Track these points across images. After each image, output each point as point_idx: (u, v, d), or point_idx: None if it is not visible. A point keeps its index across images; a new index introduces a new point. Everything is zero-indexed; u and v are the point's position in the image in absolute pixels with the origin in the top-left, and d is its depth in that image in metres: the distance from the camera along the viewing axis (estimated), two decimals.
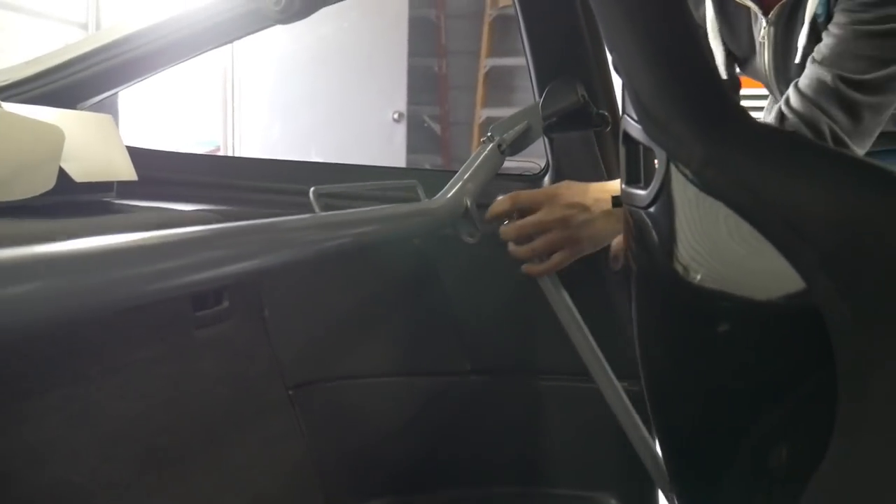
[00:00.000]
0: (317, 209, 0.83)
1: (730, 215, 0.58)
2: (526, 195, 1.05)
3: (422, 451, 1.31)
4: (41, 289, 0.41)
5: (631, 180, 0.78)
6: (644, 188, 0.73)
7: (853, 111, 0.93)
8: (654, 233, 0.73)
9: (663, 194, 0.68)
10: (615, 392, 1.11)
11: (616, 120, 1.21)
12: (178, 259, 0.51)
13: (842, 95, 0.92)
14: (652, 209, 0.72)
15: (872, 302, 0.50)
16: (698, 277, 0.67)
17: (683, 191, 0.64)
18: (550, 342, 1.27)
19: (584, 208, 1.04)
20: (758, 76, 1.21)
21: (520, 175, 1.37)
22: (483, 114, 4.31)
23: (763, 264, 0.57)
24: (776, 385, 0.62)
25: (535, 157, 1.36)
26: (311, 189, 0.85)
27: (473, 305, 1.28)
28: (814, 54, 0.97)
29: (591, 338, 1.11)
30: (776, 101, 1.22)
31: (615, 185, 1.06)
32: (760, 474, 0.66)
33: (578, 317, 1.11)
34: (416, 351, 1.30)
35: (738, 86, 1.34)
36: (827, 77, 0.93)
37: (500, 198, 1.06)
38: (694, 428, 0.76)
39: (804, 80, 0.97)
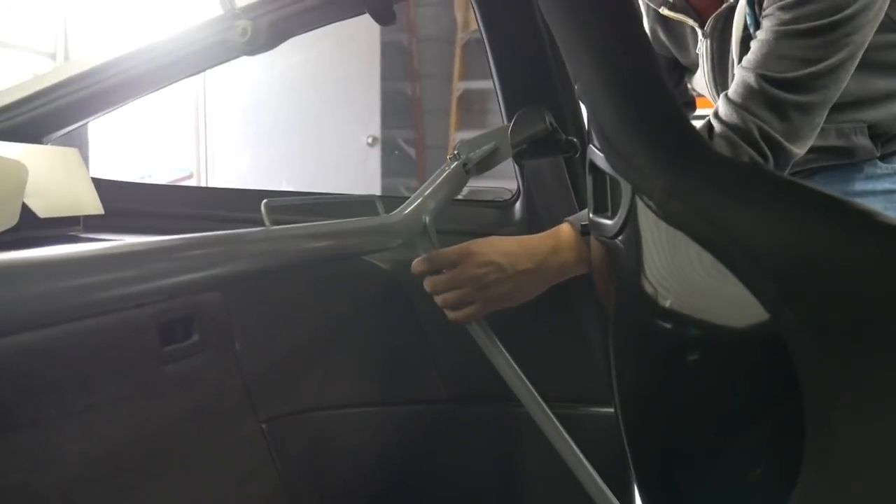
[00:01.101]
0: (267, 222, 0.80)
1: (694, 246, 0.58)
2: (440, 256, 1.06)
3: (397, 481, 1.29)
4: None
5: (598, 209, 0.78)
6: (611, 218, 0.73)
7: (779, 110, 0.92)
8: (621, 262, 0.73)
9: (630, 224, 0.68)
10: (551, 424, 1.10)
11: (585, 146, 1.22)
12: (119, 271, 0.52)
13: (766, 95, 0.91)
14: (619, 239, 0.72)
15: (834, 334, 0.50)
16: (666, 306, 0.67)
17: (648, 222, 0.64)
18: (525, 369, 1.27)
19: (499, 268, 1.05)
20: (700, 88, 1.22)
21: (491, 201, 1.37)
22: (457, 136, 4.32)
23: (728, 295, 0.57)
24: (746, 415, 0.62)
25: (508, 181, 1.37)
26: (264, 201, 0.83)
27: (447, 333, 1.27)
28: (742, 62, 0.97)
29: (525, 379, 1.11)
30: None
31: (537, 242, 1.07)
32: (733, 501, 0.66)
33: (509, 357, 1.11)
34: (391, 380, 1.29)
35: (693, 105, 1.35)
36: (751, 78, 0.92)
37: (416, 260, 1.07)
38: (666, 455, 0.76)
39: (731, 88, 0.96)
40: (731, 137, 0.92)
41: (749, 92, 0.92)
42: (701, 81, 1.17)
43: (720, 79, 1.12)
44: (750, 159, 0.91)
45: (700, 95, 1.34)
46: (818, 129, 0.95)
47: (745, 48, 1.00)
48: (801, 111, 0.91)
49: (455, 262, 1.05)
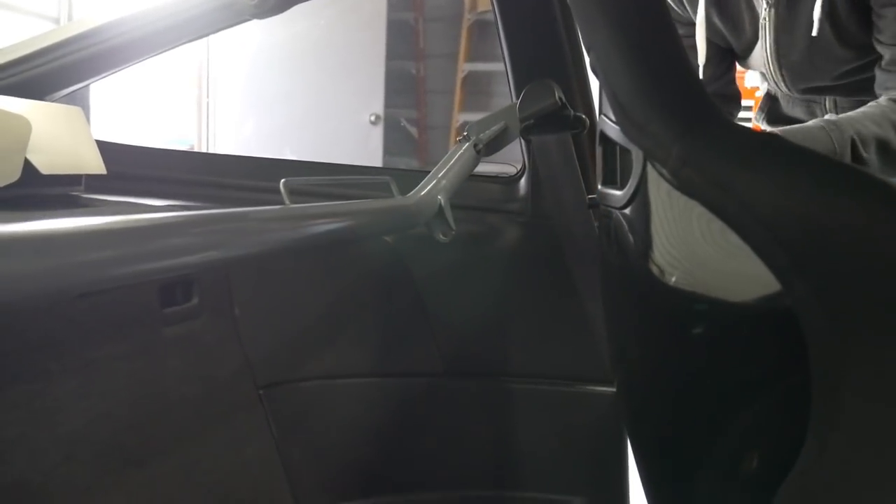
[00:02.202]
0: (287, 201, 0.80)
1: (706, 216, 0.57)
2: None
3: (393, 453, 1.29)
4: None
5: (607, 181, 0.78)
6: (620, 189, 0.73)
7: None
8: (629, 234, 0.73)
9: (640, 195, 0.68)
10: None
11: (593, 122, 1.21)
12: (140, 245, 0.50)
13: None
14: (628, 210, 0.71)
15: (845, 304, 0.50)
16: (674, 278, 0.66)
17: (660, 191, 0.63)
18: (524, 345, 1.27)
19: None
20: (757, 64, 1.22)
21: (495, 176, 1.36)
22: (460, 118, 4.30)
23: (739, 265, 0.56)
24: (751, 387, 0.62)
25: (512, 162, 1.36)
26: (282, 181, 0.83)
27: (448, 307, 1.27)
28: (881, 38, 0.99)
29: None
30: (775, 84, 1.23)
31: None
32: (734, 476, 0.66)
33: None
34: (390, 352, 1.29)
35: (738, 98, 1.35)
36: None
37: None
38: (667, 431, 0.76)
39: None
40: None
41: None
42: (759, 57, 1.17)
43: (784, 49, 1.12)
44: None
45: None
46: None
47: (827, 14, 1.01)
48: None
49: None
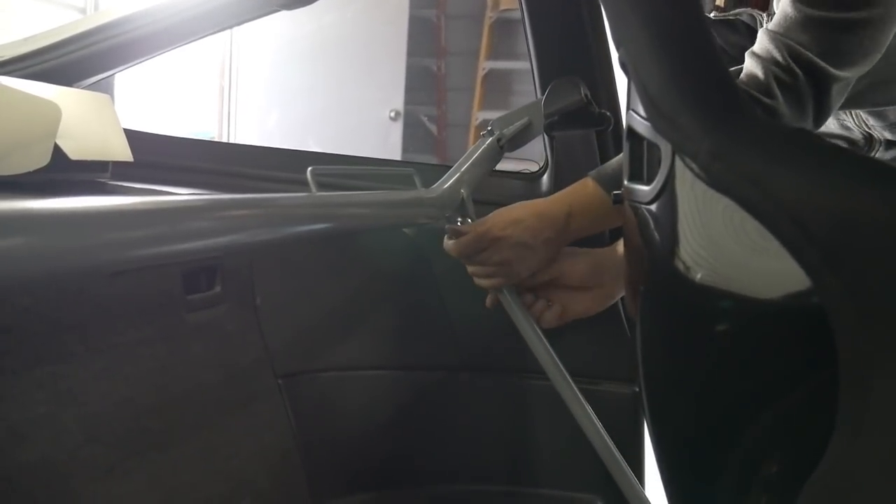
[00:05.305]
0: (313, 189, 0.82)
1: (735, 211, 0.57)
2: (469, 244, 1.07)
3: (409, 446, 1.30)
4: (28, 244, 0.40)
5: (634, 176, 0.77)
6: (647, 184, 0.72)
7: (817, 29, 0.86)
8: (656, 229, 0.73)
9: (667, 190, 0.67)
10: (574, 397, 1.10)
11: (618, 120, 1.21)
12: (166, 226, 0.51)
13: (803, 15, 0.85)
14: (654, 205, 0.71)
15: (877, 301, 0.50)
16: (701, 275, 0.66)
17: (688, 186, 0.63)
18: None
19: (526, 246, 1.07)
20: None
21: (518, 172, 1.36)
22: (479, 116, 4.30)
23: (768, 261, 0.56)
24: (776, 385, 0.61)
25: (535, 158, 1.36)
26: (309, 169, 0.84)
27: (466, 302, 1.27)
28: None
29: (551, 349, 1.11)
30: None
31: (555, 210, 1.08)
32: (757, 475, 0.66)
33: (535, 325, 1.12)
34: (408, 345, 1.29)
35: None
36: (787, 5, 0.86)
37: (448, 245, 1.09)
38: (693, 430, 0.76)
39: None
40: (760, 65, 0.87)
41: (785, 18, 0.87)
42: None
43: None
44: (776, 78, 0.86)
45: None
46: (874, 53, 0.87)
47: None
48: (842, 30, 0.85)
49: (485, 248, 1.07)
